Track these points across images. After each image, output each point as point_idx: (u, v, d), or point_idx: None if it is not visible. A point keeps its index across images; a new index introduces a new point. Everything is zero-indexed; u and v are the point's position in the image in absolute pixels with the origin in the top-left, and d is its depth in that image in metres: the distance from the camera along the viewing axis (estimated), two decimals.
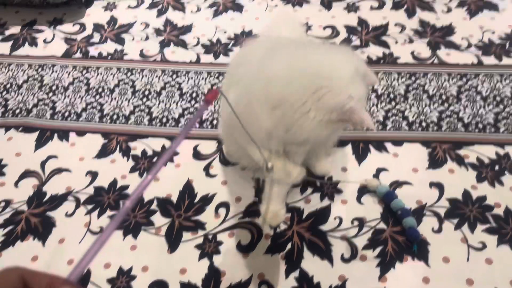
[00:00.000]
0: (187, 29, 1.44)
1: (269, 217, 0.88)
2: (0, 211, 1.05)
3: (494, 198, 0.99)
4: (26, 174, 1.11)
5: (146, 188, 0.49)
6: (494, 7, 1.41)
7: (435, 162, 1.06)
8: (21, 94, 1.29)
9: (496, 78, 1.21)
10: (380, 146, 1.10)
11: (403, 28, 1.37)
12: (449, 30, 1.35)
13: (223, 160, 1.09)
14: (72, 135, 1.18)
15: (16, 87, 1.31)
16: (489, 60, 1.26)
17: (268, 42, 0.91)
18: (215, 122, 1.17)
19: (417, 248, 0.92)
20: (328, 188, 1.03)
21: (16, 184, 1.09)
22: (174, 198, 1.04)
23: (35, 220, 1.02)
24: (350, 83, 0.71)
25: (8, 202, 1.06)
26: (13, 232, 1.01)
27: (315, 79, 0.71)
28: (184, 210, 1.02)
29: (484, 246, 0.92)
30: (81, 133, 1.18)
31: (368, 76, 0.76)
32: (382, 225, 0.97)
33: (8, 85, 1.32)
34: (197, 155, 1.11)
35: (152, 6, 1.53)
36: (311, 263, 0.92)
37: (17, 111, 1.24)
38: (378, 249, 0.93)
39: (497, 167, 1.04)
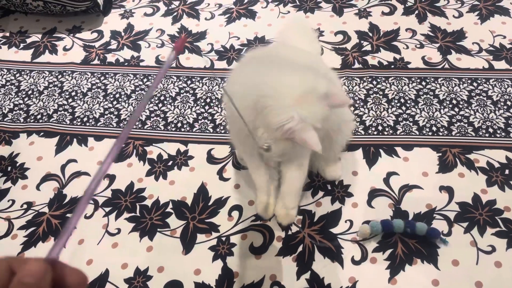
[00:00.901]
0: (202, 35, 1.47)
1: (281, 216, 0.92)
2: (23, 213, 1.09)
3: (504, 202, 1.00)
4: (47, 177, 1.15)
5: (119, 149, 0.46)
6: (505, 12, 1.42)
7: (445, 166, 1.07)
8: (42, 100, 1.34)
9: (507, 83, 1.22)
10: (390, 150, 1.11)
11: (414, 33, 1.39)
12: (460, 35, 1.36)
13: (236, 164, 1.12)
14: (91, 140, 1.22)
15: (38, 93, 1.36)
16: (500, 64, 1.27)
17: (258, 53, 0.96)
18: (228, 127, 1.20)
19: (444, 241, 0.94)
20: (339, 192, 1.05)
21: (37, 187, 1.13)
22: (189, 201, 1.07)
23: (56, 222, 1.07)
24: (296, 104, 0.71)
25: (30, 204, 1.10)
26: (35, 233, 1.05)
27: (261, 98, 0.73)
28: (198, 212, 1.05)
29: (493, 249, 0.93)
30: (99, 137, 1.23)
31: (334, 97, 0.75)
32: None
33: (30, 92, 1.37)
34: (210, 159, 1.15)
35: (167, 13, 1.57)
36: (321, 265, 0.94)
37: (38, 116, 1.29)
38: (388, 252, 0.95)
39: (507, 171, 1.05)
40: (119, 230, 1.04)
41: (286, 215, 0.96)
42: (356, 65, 1.31)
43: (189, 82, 1.34)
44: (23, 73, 1.43)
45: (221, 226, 1.02)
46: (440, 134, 1.13)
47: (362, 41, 1.38)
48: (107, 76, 1.39)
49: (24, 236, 1.05)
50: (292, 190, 0.92)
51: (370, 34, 1.40)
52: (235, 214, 1.04)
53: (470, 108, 1.18)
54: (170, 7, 1.59)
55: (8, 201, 1.11)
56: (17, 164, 1.18)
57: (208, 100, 1.28)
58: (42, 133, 1.25)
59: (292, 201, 0.94)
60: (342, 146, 1.01)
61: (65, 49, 1.49)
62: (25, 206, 1.10)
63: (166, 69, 0.52)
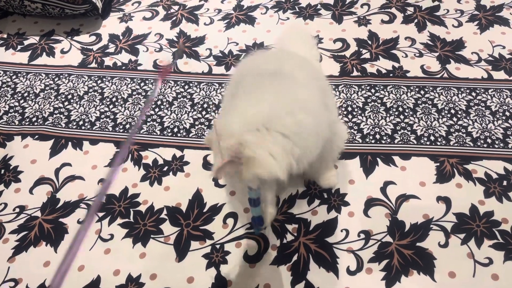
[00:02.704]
0: (200, 40, 1.46)
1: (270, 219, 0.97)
2: (15, 216, 1.08)
3: (501, 214, 0.99)
4: (40, 181, 1.14)
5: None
6: (505, 22, 1.42)
7: (442, 176, 1.06)
8: (38, 102, 1.33)
9: (505, 93, 1.21)
10: (388, 159, 1.10)
11: (413, 42, 1.38)
12: (459, 44, 1.36)
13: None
14: (86, 144, 1.21)
15: (33, 96, 1.35)
16: (499, 75, 1.26)
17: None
18: None
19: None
20: (335, 200, 1.04)
21: (30, 190, 1.12)
22: (184, 207, 1.06)
23: (48, 226, 1.05)
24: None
25: (22, 208, 1.09)
26: (26, 237, 1.04)
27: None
28: (193, 219, 1.04)
29: (490, 261, 0.92)
30: (94, 141, 1.21)
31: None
32: (388, 239, 0.97)
33: (26, 94, 1.36)
34: (206, 165, 1.13)
35: (166, 18, 1.56)
36: (316, 274, 0.93)
37: (34, 119, 1.28)
38: (384, 263, 0.94)
39: (505, 183, 1.04)
40: (112, 236, 1.02)
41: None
42: (355, 73, 1.31)
43: (186, 87, 1.33)
44: (19, 75, 1.42)
45: (215, 233, 1.01)
46: (438, 143, 1.12)
47: (361, 49, 1.38)
48: (104, 79, 1.38)
49: (15, 240, 1.03)
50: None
51: (369, 42, 1.40)
52: (230, 221, 1.03)
53: (468, 118, 1.17)
54: (169, 12, 1.58)
55: (0, 204, 1.10)
56: (11, 167, 1.17)
57: (205, 105, 1.27)
58: (37, 136, 1.23)
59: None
60: (334, 157, 1.01)
61: (62, 51, 1.48)
62: (17, 209, 1.09)
63: (151, 102, 0.49)
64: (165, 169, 1.14)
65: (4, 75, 1.42)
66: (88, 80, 1.38)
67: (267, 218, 0.97)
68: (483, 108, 1.19)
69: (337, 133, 0.95)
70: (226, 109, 0.84)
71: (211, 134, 0.78)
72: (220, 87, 1.31)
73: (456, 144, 1.12)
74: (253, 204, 0.90)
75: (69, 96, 1.34)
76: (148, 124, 1.24)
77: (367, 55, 1.36)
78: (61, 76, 1.39)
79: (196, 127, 1.22)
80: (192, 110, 1.26)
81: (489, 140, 1.12)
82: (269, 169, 0.74)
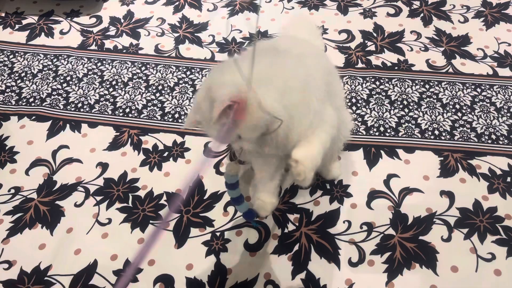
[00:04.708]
0: (203, 26, 1.44)
1: (258, 206, 0.86)
2: (10, 197, 1.05)
3: (505, 210, 0.98)
4: (37, 162, 1.11)
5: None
6: (511, 20, 1.41)
7: (446, 171, 1.05)
8: (36, 83, 1.29)
9: (510, 90, 1.21)
10: (391, 152, 1.09)
11: (418, 36, 1.37)
12: (465, 40, 1.35)
13: (233, 158, 1.09)
14: (84, 126, 1.18)
15: (31, 76, 1.31)
16: (505, 72, 1.26)
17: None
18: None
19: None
20: (338, 192, 1.03)
21: (26, 172, 1.09)
22: (183, 194, 1.04)
23: (44, 209, 1.03)
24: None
25: (18, 189, 1.06)
26: (21, 219, 1.01)
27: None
28: (193, 206, 1.02)
29: (493, 257, 0.92)
30: (93, 124, 1.19)
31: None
32: (391, 231, 0.96)
33: (23, 74, 1.32)
34: (207, 152, 1.11)
35: (168, 2, 1.53)
36: (318, 265, 0.92)
37: (31, 100, 1.25)
38: (386, 255, 0.93)
39: (509, 179, 1.03)
40: (110, 220, 1.00)
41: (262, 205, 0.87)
42: (360, 65, 1.29)
43: (188, 73, 1.30)
44: (17, 54, 1.38)
45: (215, 221, 0.99)
46: (443, 138, 1.11)
47: (366, 41, 1.36)
48: (104, 62, 1.35)
49: (10, 222, 1.01)
50: (269, 185, 0.87)
51: (375, 35, 1.38)
52: (231, 209, 1.01)
53: (473, 113, 1.16)
54: None
55: None
56: (6, 147, 1.14)
57: None
58: (34, 117, 1.21)
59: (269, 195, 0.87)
60: (339, 147, 0.99)
61: (61, 32, 1.44)
62: (12, 191, 1.06)
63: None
64: (165, 154, 1.12)
65: (1, 54, 1.38)
66: (88, 62, 1.35)
67: (260, 209, 0.90)
68: (488, 104, 1.18)
69: (343, 122, 0.94)
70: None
71: (202, 90, 0.72)
72: None
73: (460, 139, 1.11)
74: (230, 187, 0.84)
75: (68, 78, 1.31)
76: (148, 109, 1.21)
77: (372, 48, 1.34)
78: (60, 57, 1.36)
79: None
80: (193, 96, 1.24)
81: (493, 136, 1.11)
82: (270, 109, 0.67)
